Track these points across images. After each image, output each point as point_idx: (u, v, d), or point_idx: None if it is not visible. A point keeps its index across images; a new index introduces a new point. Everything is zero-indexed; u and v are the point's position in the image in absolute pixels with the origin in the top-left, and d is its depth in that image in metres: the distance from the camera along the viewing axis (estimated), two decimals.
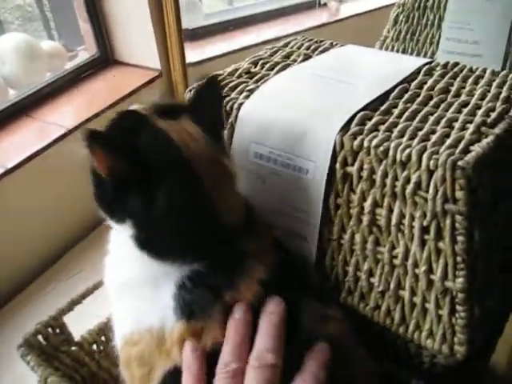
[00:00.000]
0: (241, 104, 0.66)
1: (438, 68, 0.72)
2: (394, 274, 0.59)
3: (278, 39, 1.58)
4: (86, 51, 1.46)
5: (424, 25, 1.11)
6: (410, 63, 0.73)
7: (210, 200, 0.53)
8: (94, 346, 0.77)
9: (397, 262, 0.59)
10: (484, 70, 0.71)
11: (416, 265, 0.57)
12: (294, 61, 0.75)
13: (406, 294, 0.59)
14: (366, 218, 0.59)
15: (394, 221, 0.57)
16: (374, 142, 0.56)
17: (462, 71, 0.71)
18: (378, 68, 0.72)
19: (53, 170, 1.16)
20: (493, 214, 0.60)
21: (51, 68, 1.34)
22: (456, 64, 0.73)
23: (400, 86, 0.66)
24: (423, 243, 0.56)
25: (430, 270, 0.57)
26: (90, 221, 1.23)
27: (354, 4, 1.82)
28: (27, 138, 1.16)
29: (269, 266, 0.54)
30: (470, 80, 0.68)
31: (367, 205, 0.59)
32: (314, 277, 0.64)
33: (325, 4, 1.66)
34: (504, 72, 0.70)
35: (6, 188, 1.07)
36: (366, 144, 0.57)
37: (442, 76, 0.70)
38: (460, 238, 0.54)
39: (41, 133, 1.17)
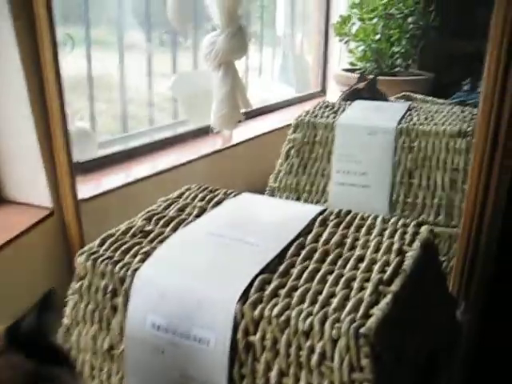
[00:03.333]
0: (135, 270, 0.63)
1: (331, 217, 0.73)
2: None
3: (173, 168, 1.59)
4: None
5: (315, 159, 1.15)
6: (304, 213, 0.74)
7: None
8: None
9: None
10: (375, 218, 0.73)
11: None
12: (189, 214, 0.74)
13: None
14: None
15: None
16: (275, 312, 0.55)
17: (354, 219, 0.73)
18: (274, 221, 0.72)
19: None
20: (399, 368, 0.59)
21: None
22: (348, 212, 0.74)
23: (296, 242, 0.66)
24: None
25: None
26: None
27: (246, 129, 1.88)
28: None
29: None
30: (363, 230, 0.70)
31: (273, 375, 0.56)
32: None
33: (218, 131, 1.70)
34: (393, 219, 0.73)
35: None
36: (266, 313, 0.55)
37: (337, 226, 0.71)
38: None
39: None
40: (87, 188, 1.37)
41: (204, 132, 1.80)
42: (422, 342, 0.65)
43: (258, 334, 0.56)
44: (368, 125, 1.12)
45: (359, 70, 2.16)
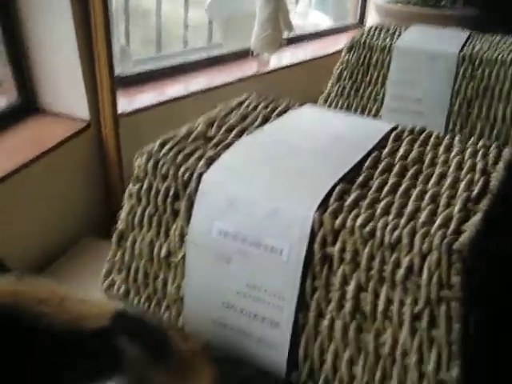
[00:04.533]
0: (201, 174, 0.59)
1: (405, 134, 0.68)
2: (380, 363, 0.53)
3: (208, 90, 1.53)
4: (4, 97, 1.34)
5: (368, 82, 1.09)
6: (376, 127, 0.69)
7: None
8: None
9: (383, 351, 0.53)
10: (452, 138, 0.68)
11: (405, 354, 0.52)
12: (253, 122, 0.70)
13: None
14: (348, 304, 0.53)
15: (380, 307, 0.52)
16: (359, 222, 0.51)
17: (429, 138, 0.68)
18: (345, 133, 0.67)
19: None
20: (486, 290, 0.56)
21: None
22: (423, 130, 0.69)
23: (372, 155, 0.62)
24: (414, 331, 0.51)
25: (421, 361, 0.51)
26: None
27: (281, 56, 1.81)
28: None
29: None
30: (441, 148, 0.65)
31: (350, 289, 0.53)
32: None
33: (257, 54, 1.63)
34: (472, 140, 0.68)
35: None
36: (349, 223, 0.51)
37: (412, 142, 0.66)
38: (456, 326, 0.49)
39: None
40: (124, 103, 1.33)
41: (240, 56, 1.73)
42: (503, 269, 0.61)
43: (338, 245, 0.52)
44: (428, 49, 1.06)
45: (403, 1, 2.06)
